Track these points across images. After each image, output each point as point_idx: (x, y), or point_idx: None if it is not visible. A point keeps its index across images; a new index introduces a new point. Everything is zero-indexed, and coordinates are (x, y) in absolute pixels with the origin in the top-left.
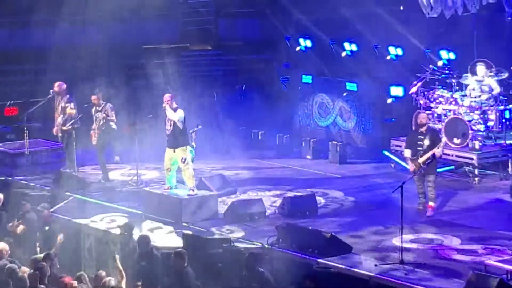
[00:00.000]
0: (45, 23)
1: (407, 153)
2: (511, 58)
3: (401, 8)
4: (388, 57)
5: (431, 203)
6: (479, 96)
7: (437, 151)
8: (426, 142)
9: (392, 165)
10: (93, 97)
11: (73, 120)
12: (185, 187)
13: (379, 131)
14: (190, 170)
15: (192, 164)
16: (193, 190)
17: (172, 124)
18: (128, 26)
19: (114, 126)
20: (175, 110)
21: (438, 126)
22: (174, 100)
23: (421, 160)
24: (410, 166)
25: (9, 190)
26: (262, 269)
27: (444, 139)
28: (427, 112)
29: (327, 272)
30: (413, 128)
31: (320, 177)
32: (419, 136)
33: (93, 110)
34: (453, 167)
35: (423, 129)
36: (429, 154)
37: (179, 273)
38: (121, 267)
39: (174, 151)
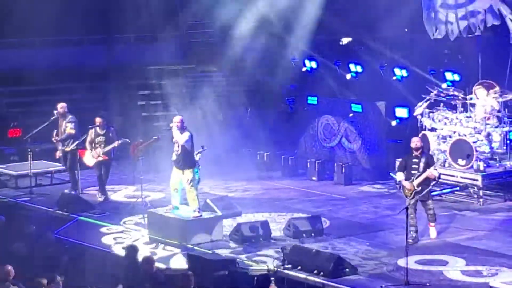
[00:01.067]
0: (49, 44)
1: (400, 176)
2: None
3: (406, 30)
4: (394, 78)
5: (432, 224)
6: (484, 118)
7: (433, 171)
8: (421, 165)
9: (398, 186)
10: (98, 119)
11: (77, 141)
12: (189, 208)
13: (385, 152)
14: (194, 192)
15: (198, 185)
16: (198, 212)
17: (179, 145)
18: (133, 47)
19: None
20: (182, 131)
21: (444, 147)
22: (183, 123)
23: (415, 182)
24: (406, 185)
25: (12, 212)
26: None
27: (441, 160)
28: (433, 133)
29: None
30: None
31: (326, 199)
32: (413, 160)
33: (92, 131)
34: (458, 188)
35: (417, 153)
36: (424, 175)
37: None
38: None
39: (183, 173)
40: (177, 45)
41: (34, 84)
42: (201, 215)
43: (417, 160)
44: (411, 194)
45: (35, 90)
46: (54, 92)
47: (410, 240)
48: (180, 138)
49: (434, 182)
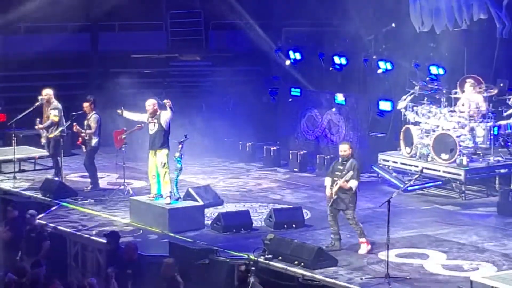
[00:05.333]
0: (33, 30)
1: (327, 181)
2: (500, 74)
3: (393, 25)
4: (380, 71)
5: (361, 239)
6: (468, 112)
7: (343, 183)
8: (344, 172)
9: (380, 179)
10: (85, 104)
11: (61, 128)
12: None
13: (367, 145)
14: (168, 176)
15: (180, 174)
16: (169, 197)
17: (155, 124)
18: (117, 35)
19: (94, 142)
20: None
21: (427, 141)
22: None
23: (333, 189)
24: (327, 191)
25: None
26: (253, 281)
27: (351, 173)
28: (416, 127)
29: (313, 285)
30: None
31: (306, 190)
32: (339, 166)
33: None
34: (440, 182)
35: (344, 159)
36: (339, 185)
37: (169, 282)
38: None
39: (155, 154)
40: (161, 34)
41: (19, 70)
42: (170, 202)
43: (342, 167)
44: (330, 201)
45: (20, 75)
46: (39, 78)
47: (330, 245)
48: (164, 114)
49: (346, 194)
